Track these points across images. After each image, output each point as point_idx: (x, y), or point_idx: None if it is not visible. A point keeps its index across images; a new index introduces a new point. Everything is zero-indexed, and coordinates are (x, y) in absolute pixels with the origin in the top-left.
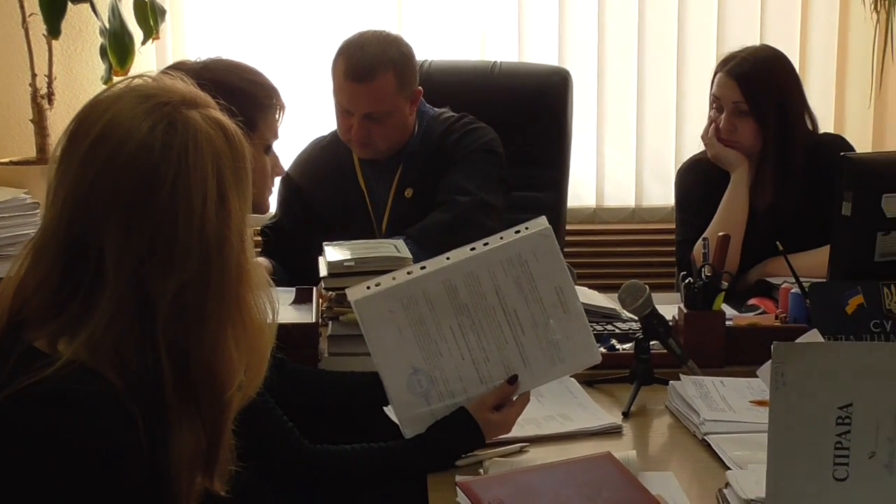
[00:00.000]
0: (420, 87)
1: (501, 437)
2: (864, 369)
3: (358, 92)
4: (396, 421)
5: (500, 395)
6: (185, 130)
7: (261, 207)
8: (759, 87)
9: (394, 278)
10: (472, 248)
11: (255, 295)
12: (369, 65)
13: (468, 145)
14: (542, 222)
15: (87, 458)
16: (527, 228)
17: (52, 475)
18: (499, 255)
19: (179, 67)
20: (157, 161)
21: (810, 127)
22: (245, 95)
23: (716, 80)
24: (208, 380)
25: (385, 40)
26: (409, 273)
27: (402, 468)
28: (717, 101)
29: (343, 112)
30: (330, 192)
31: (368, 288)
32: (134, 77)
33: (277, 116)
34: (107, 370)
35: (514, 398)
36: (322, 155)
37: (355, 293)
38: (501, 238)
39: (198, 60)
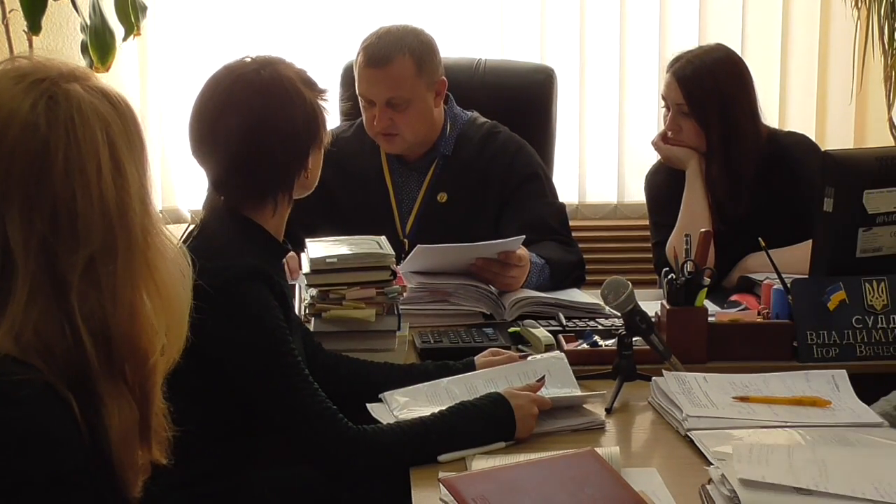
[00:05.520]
0: (444, 79)
1: None
2: None
3: (376, 77)
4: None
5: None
6: (68, 103)
7: None
8: (699, 89)
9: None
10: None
11: (165, 257)
12: (386, 49)
13: (526, 165)
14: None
15: (27, 450)
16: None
17: None
18: (518, 369)
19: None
20: (44, 138)
21: (762, 128)
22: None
23: (664, 81)
24: (131, 348)
25: (403, 29)
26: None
27: (440, 433)
28: (664, 102)
29: (366, 104)
30: (352, 186)
31: None
32: (3, 61)
33: None
34: (33, 358)
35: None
36: (345, 146)
37: None
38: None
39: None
